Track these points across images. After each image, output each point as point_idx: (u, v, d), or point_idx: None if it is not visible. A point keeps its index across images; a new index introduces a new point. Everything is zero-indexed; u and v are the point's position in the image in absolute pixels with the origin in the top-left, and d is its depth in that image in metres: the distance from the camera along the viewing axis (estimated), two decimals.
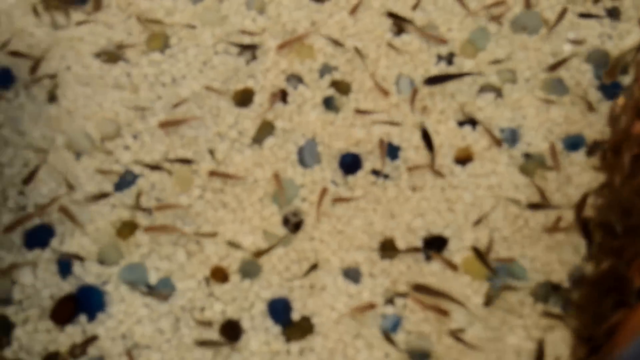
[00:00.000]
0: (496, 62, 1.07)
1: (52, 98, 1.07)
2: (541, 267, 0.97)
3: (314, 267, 0.98)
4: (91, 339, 0.95)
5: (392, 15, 1.09)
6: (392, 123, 1.04)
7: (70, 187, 1.02)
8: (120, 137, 1.04)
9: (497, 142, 1.03)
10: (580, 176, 1.01)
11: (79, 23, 1.10)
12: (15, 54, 1.09)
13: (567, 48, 1.08)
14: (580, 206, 1.00)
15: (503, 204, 1.01)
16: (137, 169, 1.03)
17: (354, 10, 1.09)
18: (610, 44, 1.08)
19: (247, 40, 1.08)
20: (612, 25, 1.09)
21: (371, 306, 0.96)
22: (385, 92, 1.05)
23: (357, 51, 1.07)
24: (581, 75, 1.06)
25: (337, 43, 1.07)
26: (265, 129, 1.04)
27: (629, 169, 0.94)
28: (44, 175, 1.03)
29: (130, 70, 1.07)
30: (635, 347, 0.68)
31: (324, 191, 1.01)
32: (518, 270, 0.97)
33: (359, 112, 1.04)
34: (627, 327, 0.85)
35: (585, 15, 1.09)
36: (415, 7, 1.10)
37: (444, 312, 0.95)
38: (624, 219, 0.92)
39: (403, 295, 0.96)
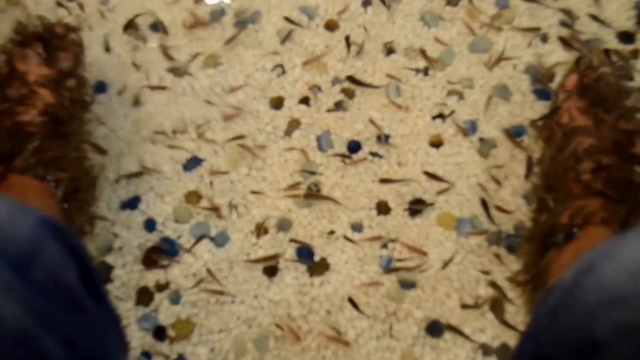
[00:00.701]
0: (459, 74, 1.13)
1: (137, 102, 1.12)
2: (495, 220, 1.03)
3: (329, 222, 1.04)
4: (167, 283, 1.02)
5: (386, 45, 1.14)
6: (384, 119, 1.10)
7: (150, 168, 1.07)
8: (187, 132, 1.10)
9: (461, 131, 1.08)
10: (524, 154, 1.06)
11: (155, 47, 1.15)
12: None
13: (510, 63, 1.13)
14: (527, 175, 1.04)
15: (465, 176, 1.07)
16: (200, 154, 1.08)
17: (352, 39, 1.14)
18: (541, 59, 1.12)
19: (278, 59, 1.13)
20: (542, 47, 1.13)
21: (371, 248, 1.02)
22: (376, 97, 1.11)
23: (359, 67, 1.13)
24: (521, 83, 1.11)
25: (344, 61, 1.13)
26: (293, 125, 1.10)
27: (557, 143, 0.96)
28: (132, 159, 1.09)
29: (193, 82, 1.12)
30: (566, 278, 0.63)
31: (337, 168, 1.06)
32: (477, 222, 1.04)
33: (360, 110, 1.10)
34: (557, 264, 0.87)
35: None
36: (395, 39, 1.15)
37: (423, 253, 1.03)
38: (548, 192, 0.95)
39: (394, 241, 1.03)
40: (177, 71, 1.14)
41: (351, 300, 1.00)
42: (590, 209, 0.87)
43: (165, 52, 1.15)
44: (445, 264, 1.02)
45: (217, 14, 1.17)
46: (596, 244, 0.69)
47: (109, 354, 0.64)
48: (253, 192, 1.06)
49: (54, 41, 0.96)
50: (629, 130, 0.92)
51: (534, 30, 1.14)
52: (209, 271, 1.03)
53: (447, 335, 0.99)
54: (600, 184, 0.89)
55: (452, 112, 1.10)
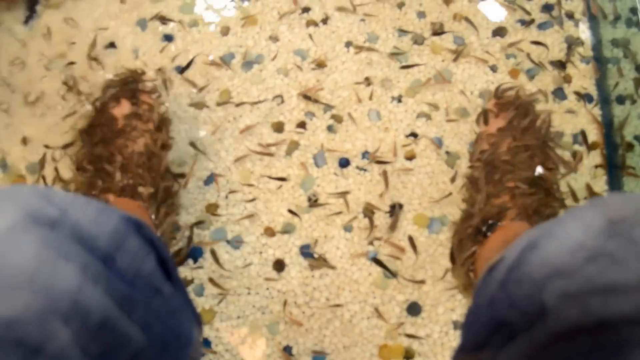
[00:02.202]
0: (426, 99, 1.12)
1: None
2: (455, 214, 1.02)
3: (326, 224, 1.04)
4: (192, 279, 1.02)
5: (366, 78, 1.13)
6: (366, 139, 1.09)
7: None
8: (206, 154, 1.08)
9: (432, 146, 1.07)
10: None
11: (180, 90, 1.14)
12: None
13: (467, 89, 1.13)
14: (452, 179, 1.04)
15: (435, 182, 1.07)
16: (216, 171, 1.07)
17: (342, 72, 1.14)
18: (492, 86, 1.13)
19: (277, 91, 1.12)
20: (494, 75, 1.14)
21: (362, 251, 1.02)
22: (361, 121, 1.10)
23: (345, 97, 1.12)
24: (477, 105, 1.12)
25: (332, 92, 1.12)
26: (293, 146, 1.09)
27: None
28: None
29: (210, 114, 1.12)
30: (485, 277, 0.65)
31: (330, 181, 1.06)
32: (445, 221, 1.04)
33: (348, 133, 1.09)
34: (480, 257, 0.87)
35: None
36: (373, 73, 1.16)
37: (402, 249, 1.03)
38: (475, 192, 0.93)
39: (379, 239, 1.03)
40: (197, 105, 1.13)
41: (347, 290, 1.01)
42: (505, 204, 0.87)
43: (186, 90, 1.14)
44: (420, 256, 1.02)
45: (228, 57, 1.17)
46: (516, 233, 0.73)
47: (184, 331, 0.65)
48: (261, 201, 1.05)
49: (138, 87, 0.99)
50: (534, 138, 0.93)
51: (485, 62, 1.15)
52: (221, 267, 1.02)
53: (424, 314, 0.99)
54: (511, 182, 0.88)
55: (422, 130, 1.10)
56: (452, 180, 1.06)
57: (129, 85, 0.98)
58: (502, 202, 0.88)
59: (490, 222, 0.87)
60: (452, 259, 0.96)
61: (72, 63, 1.16)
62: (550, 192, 0.90)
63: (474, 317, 0.68)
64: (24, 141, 1.11)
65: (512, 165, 0.90)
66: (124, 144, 0.92)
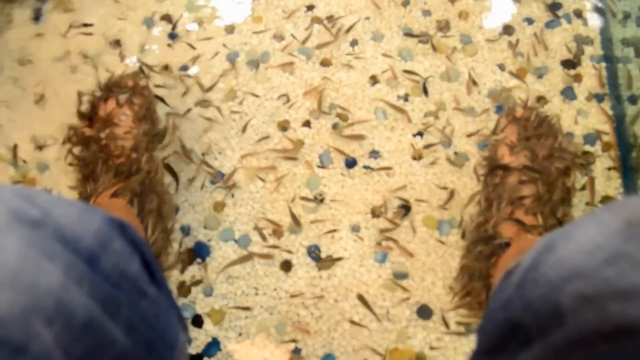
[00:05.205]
0: (434, 98, 1.09)
1: (174, 127, 1.07)
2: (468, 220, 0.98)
3: (332, 224, 1.00)
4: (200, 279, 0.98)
5: (372, 77, 1.09)
6: (373, 138, 1.06)
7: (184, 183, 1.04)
8: (212, 153, 1.05)
9: (440, 146, 1.04)
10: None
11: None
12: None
13: (476, 89, 1.09)
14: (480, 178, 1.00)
15: (443, 182, 1.03)
16: (222, 170, 1.04)
17: (348, 71, 1.09)
18: (500, 85, 1.09)
19: (283, 90, 1.09)
20: (501, 74, 1.09)
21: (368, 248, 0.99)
22: (368, 120, 1.07)
23: (350, 96, 1.09)
24: (485, 104, 1.08)
25: (337, 90, 1.09)
26: (298, 144, 1.05)
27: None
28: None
29: (216, 112, 1.09)
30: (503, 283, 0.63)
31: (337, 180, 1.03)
32: (454, 223, 1.00)
33: (354, 132, 1.06)
34: (498, 268, 0.84)
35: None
36: (379, 72, 1.12)
37: (410, 254, 0.99)
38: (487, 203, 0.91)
39: (387, 240, 0.99)
40: (203, 104, 1.10)
41: (355, 292, 0.97)
42: (520, 219, 0.85)
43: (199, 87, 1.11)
44: (430, 258, 0.98)
45: (233, 56, 1.13)
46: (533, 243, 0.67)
47: (170, 333, 0.62)
48: (268, 201, 1.02)
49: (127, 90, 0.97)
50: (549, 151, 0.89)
51: (492, 60, 1.11)
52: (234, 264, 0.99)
53: (435, 317, 0.95)
54: (528, 197, 0.85)
55: (429, 129, 1.06)
56: (460, 181, 1.02)
57: (116, 88, 0.96)
58: (518, 220, 0.85)
59: (505, 241, 0.84)
60: (467, 283, 0.91)
61: (81, 59, 1.12)
62: (564, 202, 0.87)
63: (489, 320, 0.63)
64: (34, 139, 1.07)
65: (532, 176, 0.87)
66: (109, 144, 0.91)
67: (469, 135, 1.05)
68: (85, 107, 0.96)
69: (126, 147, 0.93)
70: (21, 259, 0.43)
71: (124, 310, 0.52)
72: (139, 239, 0.59)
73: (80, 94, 0.97)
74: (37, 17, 1.14)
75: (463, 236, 0.97)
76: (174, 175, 1.03)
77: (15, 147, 1.06)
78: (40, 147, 1.07)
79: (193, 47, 1.13)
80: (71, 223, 0.50)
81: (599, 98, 1.08)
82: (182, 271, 0.98)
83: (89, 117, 0.95)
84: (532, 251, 0.55)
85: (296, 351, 0.94)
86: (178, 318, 0.66)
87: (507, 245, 0.84)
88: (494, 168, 0.91)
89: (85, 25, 1.14)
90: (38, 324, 0.42)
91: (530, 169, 0.87)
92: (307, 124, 1.06)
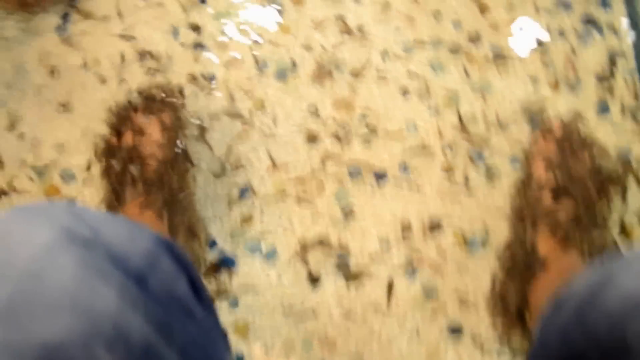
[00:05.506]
0: (463, 110, 1.07)
1: (200, 138, 1.06)
2: (498, 240, 0.98)
3: (361, 238, 0.99)
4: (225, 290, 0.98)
5: (402, 89, 1.07)
6: (403, 151, 1.04)
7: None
8: (240, 164, 1.04)
9: (471, 159, 1.03)
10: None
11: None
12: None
13: (507, 101, 1.11)
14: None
15: (475, 197, 1.01)
16: (251, 183, 1.03)
17: (378, 82, 1.07)
18: (532, 97, 1.07)
19: (312, 101, 1.06)
20: (534, 87, 1.07)
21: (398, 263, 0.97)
22: (399, 132, 1.05)
23: (381, 107, 1.07)
24: (517, 117, 1.06)
25: (367, 102, 1.07)
26: (327, 156, 1.03)
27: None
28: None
29: (246, 122, 1.06)
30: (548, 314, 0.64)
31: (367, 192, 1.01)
32: (485, 238, 0.98)
33: (384, 144, 1.04)
34: (536, 289, 0.83)
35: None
36: (409, 82, 1.11)
37: (440, 270, 0.97)
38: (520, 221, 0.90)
39: (417, 255, 0.97)
40: (232, 115, 1.08)
41: (384, 308, 0.96)
42: (557, 241, 0.83)
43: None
44: (460, 275, 0.97)
45: (261, 66, 1.10)
46: (571, 265, 0.70)
47: (218, 355, 0.61)
48: (296, 213, 1.01)
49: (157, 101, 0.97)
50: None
51: (524, 73, 1.09)
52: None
53: (466, 335, 0.93)
54: (563, 213, 0.84)
55: (460, 142, 1.05)
56: (492, 196, 1.00)
57: (151, 99, 0.96)
58: (554, 239, 0.83)
59: (542, 261, 0.82)
60: (500, 302, 0.89)
61: (108, 68, 1.11)
62: (600, 222, 0.85)
63: (543, 346, 0.62)
64: (60, 147, 1.06)
65: (568, 194, 0.85)
66: (138, 156, 0.90)
67: (501, 150, 1.03)
68: (114, 117, 0.95)
69: (156, 158, 0.92)
70: (77, 281, 0.43)
71: (176, 334, 0.51)
72: (186, 257, 0.58)
73: (109, 104, 0.97)
74: (63, 25, 1.13)
75: (494, 253, 0.96)
76: (201, 185, 1.02)
77: (39, 155, 1.06)
78: (66, 156, 1.06)
79: (220, 57, 1.11)
80: (120, 242, 0.49)
81: (633, 111, 1.06)
82: (208, 283, 0.97)
83: (118, 127, 0.94)
84: (586, 279, 0.54)
85: None
86: (224, 337, 0.65)
87: (543, 264, 0.82)
88: (528, 185, 0.88)
89: (113, 34, 1.13)
90: (99, 350, 0.41)
91: (566, 186, 0.86)
92: (336, 135, 1.05)
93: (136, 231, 0.52)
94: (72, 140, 1.08)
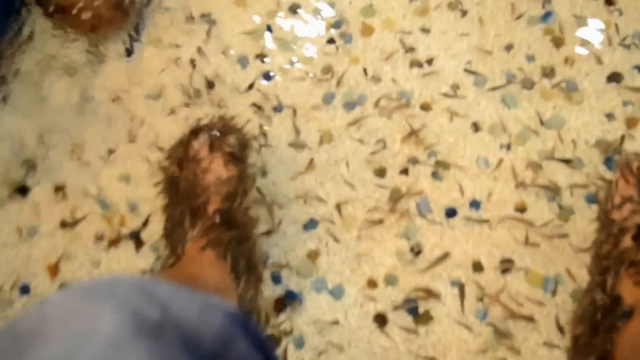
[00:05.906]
0: (537, 148, 1.05)
1: (263, 173, 1.06)
2: (577, 278, 0.95)
3: (431, 277, 0.96)
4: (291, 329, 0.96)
5: (474, 124, 1.05)
6: (474, 188, 1.01)
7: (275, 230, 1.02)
8: (306, 198, 1.03)
9: (545, 198, 0.99)
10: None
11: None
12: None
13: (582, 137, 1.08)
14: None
15: (548, 236, 0.98)
16: (315, 217, 1.02)
17: (449, 116, 1.05)
18: (609, 135, 1.04)
19: (380, 134, 1.05)
20: (610, 124, 1.04)
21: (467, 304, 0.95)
22: (469, 168, 1.02)
23: (451, 143, 1.04)
24: (592, 156, 1.04)
25: (437, 136, 1.04)
26: (396, 192, 1.01)
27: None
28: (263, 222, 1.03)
29: (313, 155, 1.05)
30: None
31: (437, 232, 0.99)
32: (560, 280, 0.95)
33: (455, 180, 1.01)
34: (623, 342, 0.79)
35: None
36: (481, 118, 1.08)
37: (513, 312, 0.94)
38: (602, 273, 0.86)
39: (488, 296, 0.94)
40: (297, 147, 1.07)
41: (455, 351, 0.92)
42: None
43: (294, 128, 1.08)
44: (534, 317, 0.93)
45: (329, 97, 1.09)
46: None
47: None
48: (363, 250, 0.99)
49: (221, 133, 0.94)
50: None
51: (600, 109, 1.05)
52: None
53: None
54: None
55: (533, 180, 1.02)
56: (566, 236, 0.96)
57: (210, 130, 0.93)
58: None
59: (629, 310, 0.78)
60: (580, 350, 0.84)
61: (174, 97, 1.11)
62: None
63: None
64: (126, 179, 1.06)
65: None
66: (200, 191, 0.88)
67: (576, 188, 1.00)
68: (178, 150, 0.93)
69: (219, 195, 0.89)
70: None
71: None
72: (263, 336, 0.55)
73: (173, 134, 0.95)
74: (129, 52, 1.13)
75: (572, 296, 0.93)
76: (267, 219, 1.01)
77: (103, 185, 1.05)
78: (132, 186, 1.05)
79: (287, 87, 1.10)
80: (191, 321, 0.47)
81: None
82: (269, 321, 0.96)
83: (181, 160, 0.92)
84: None
85: None
86: None
87: (630, 314, 0.77)
88: (609, 227, 0.84)
89: (177, 60, 1.11)
90: None
91: None
92: (404, 171, 1.02)
93: (208, 307, 0.49)
94: (137, 170, 1.07)
